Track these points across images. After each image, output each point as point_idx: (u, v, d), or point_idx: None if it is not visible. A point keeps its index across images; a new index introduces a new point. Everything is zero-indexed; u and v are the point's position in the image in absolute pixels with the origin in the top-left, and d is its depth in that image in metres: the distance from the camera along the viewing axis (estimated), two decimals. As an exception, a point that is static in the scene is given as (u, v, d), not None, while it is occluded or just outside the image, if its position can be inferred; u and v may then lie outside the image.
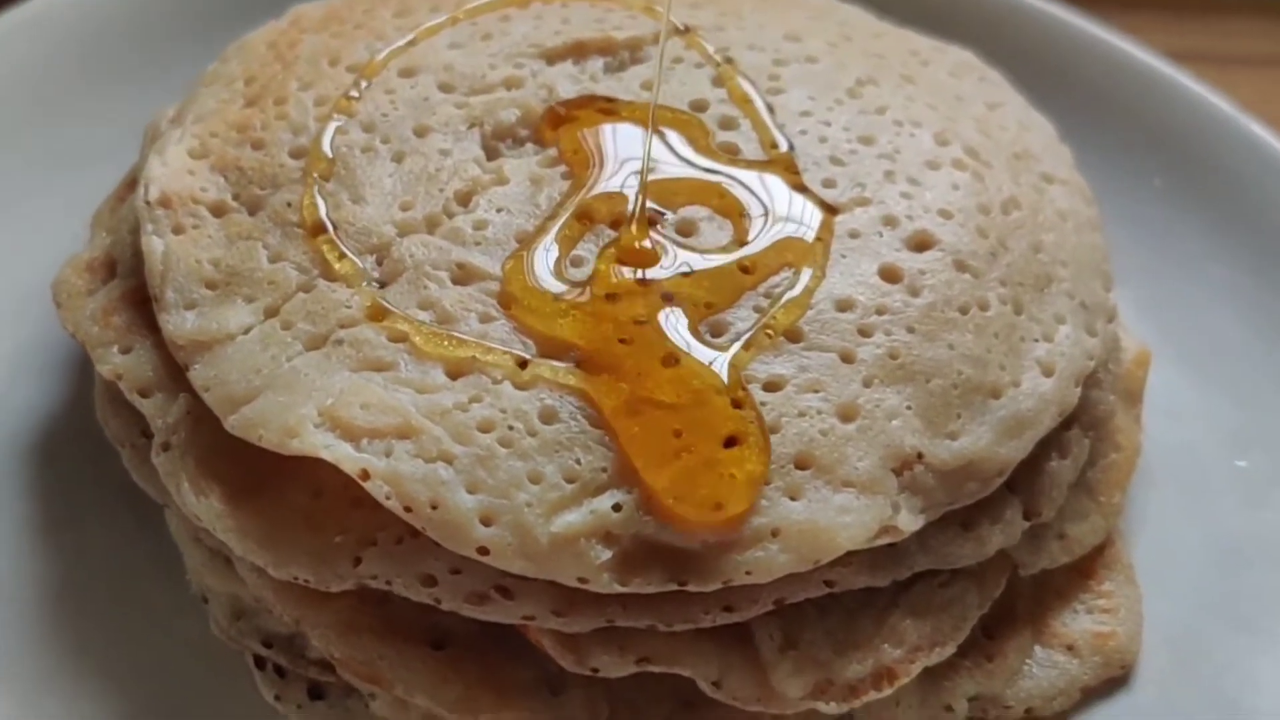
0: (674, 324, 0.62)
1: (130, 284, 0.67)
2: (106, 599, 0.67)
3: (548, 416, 0.58)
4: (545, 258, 0.64)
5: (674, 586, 0.56)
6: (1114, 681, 0.68)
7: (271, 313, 0.63)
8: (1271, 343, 0.82)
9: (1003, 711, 0.65)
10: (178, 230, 0.66)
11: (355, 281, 0.63)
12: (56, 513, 0.70)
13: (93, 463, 0.70)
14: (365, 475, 0.57)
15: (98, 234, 0.73)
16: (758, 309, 0.63)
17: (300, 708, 0.62)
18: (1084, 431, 0.69)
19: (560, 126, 0.71)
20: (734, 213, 0.67)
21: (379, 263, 0.64)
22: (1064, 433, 0.68)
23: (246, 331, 0.62)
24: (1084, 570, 0.70)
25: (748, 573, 0.57)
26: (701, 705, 0.60)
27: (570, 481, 0.57)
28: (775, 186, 0.69)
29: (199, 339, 0.62)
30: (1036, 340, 0.66)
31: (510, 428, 0.58)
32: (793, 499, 0.58)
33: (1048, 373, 0.65)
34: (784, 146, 0.70)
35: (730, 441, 0.58)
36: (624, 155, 0.69)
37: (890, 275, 0.65)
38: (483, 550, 0.56)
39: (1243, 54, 1.14)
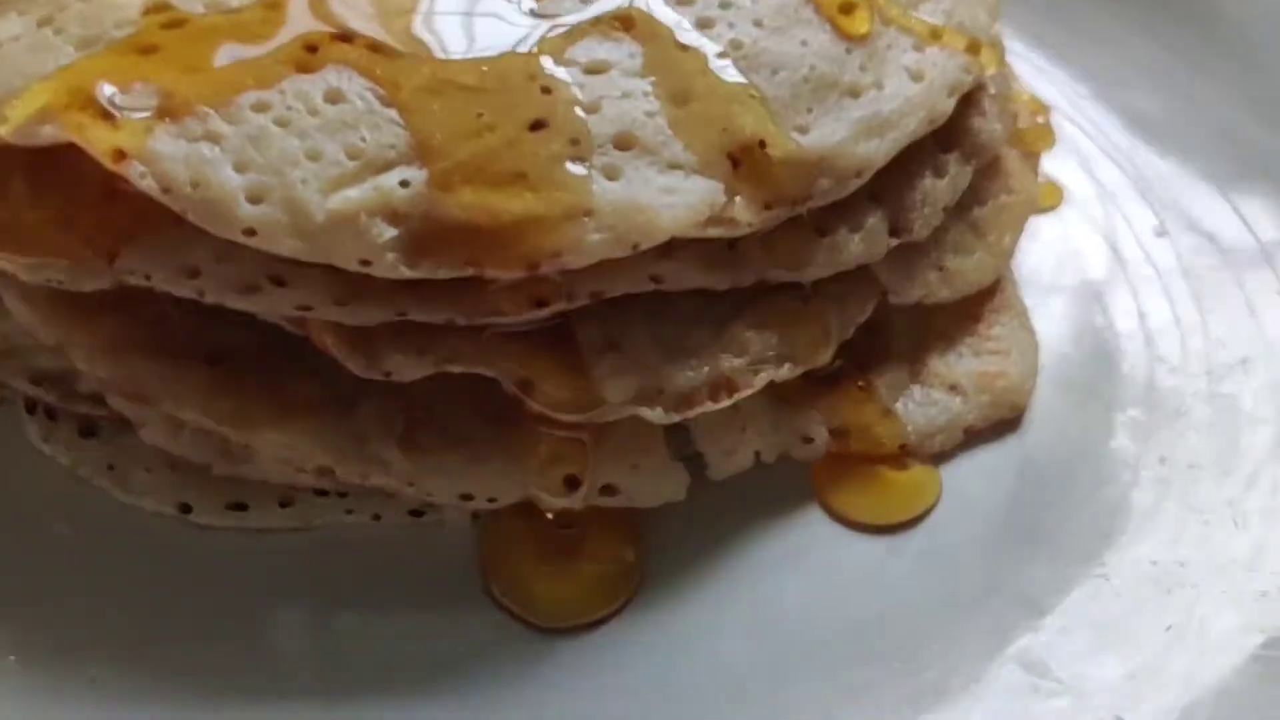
0: (486, 9, 0.55)
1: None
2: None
3: (333, 97, 0.52)
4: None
5: (470, 271, 0.50)
6: (1004, 425, 0.61)
7: (45, 22, 0.56)
8: (1188, 123, 0.76)
9: (874, 447, 0.58)
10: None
11: (138, -15, 0.57)
12: None
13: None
14: (120, 156, 0.50)
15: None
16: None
17: (70, 448, 0.55)
18: (965, 159, 0.62)
19: None
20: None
21: (168, -28, 0.58)
22: (941, 155, 0.61)
23: (16, 40, 0.56)
24: (971, 314, 0.63)
25: (555, 255, 0.50)
26: (513, 420, 0.53)
27: (353, 159, 0.50)
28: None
29: (-38, 49, 0.56)
30: (906, 50, 0.60)
31: (289, 108, 0.51)
32: (610, 179, 0.51)
33: (916, 78, 0.59)
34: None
35: (536, 125, 0.52)
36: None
37: (740, -25, 0.59)
38: (249, 231, 0.49)
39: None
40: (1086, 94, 0.78)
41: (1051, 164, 0.74)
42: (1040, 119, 0.71)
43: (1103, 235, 0.71)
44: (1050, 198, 0.73)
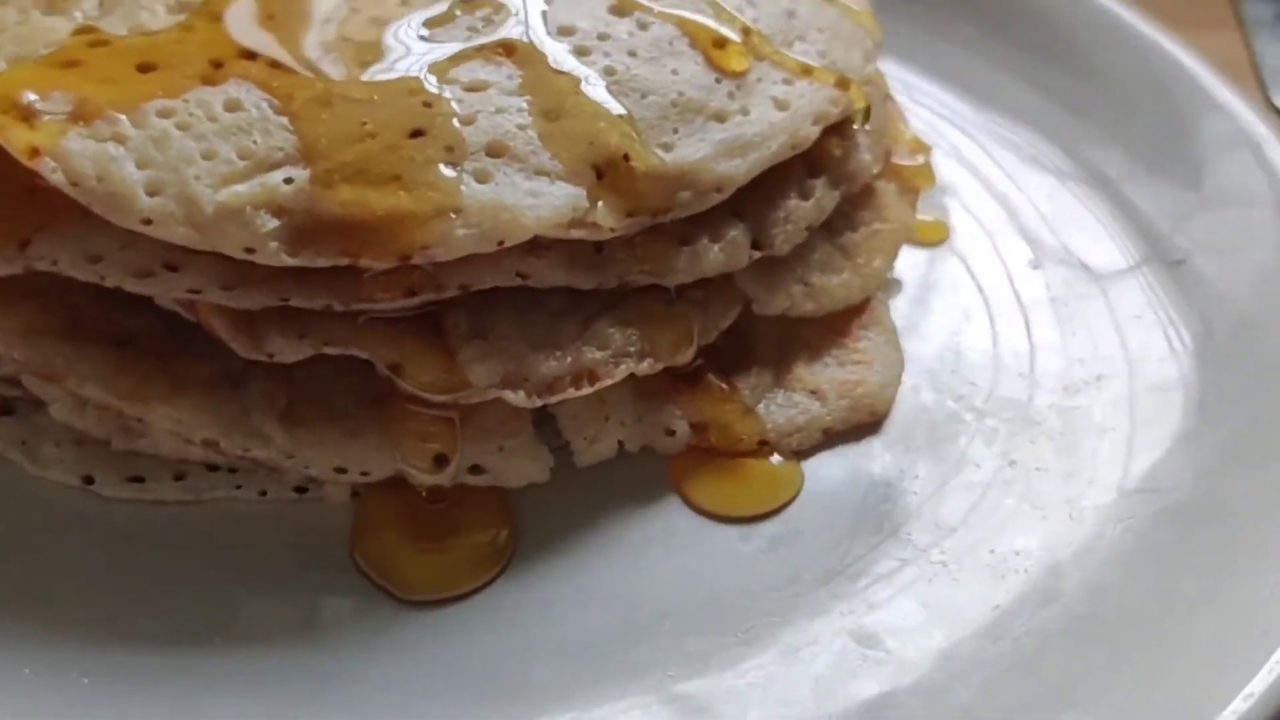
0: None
1: None
2: None
3: (232, 106, 0.57)
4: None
5: (347, 261, 0.55)
6: (864, 428, 0.65)
7: (-13, 43, 0.62)
8: (1066, 176, 0.81)
9: (733, 442, 0.62)
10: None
11: (70, 11, 0.63)
12: None
13: None
14: (34, 153, 0.55)
15: None
16: (471, 29, 0.62)
17: (-13, 425, 0.60)
18: (832, 185, 0.67)
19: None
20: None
21: (100, 3, 0.64)
22: (809, 179, 0.66)
23: (-40, 58, 0.62)
24: (838, 328, 0.68)
25: (424, 248, 0.55)
26: (391, 401, 0.57)
27: (244, 159, 0.56)
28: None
29: (-98, 68, 0.61)
30: (776, 83, 0.65)
31: (191, 114, 0.57)
32: (480, 182, 0.56)
33: (782, 107, 0.64)
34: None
35: (415, 133, 0.57)
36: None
37: (620, 10, 0.64)
38: (146, 220, 0.54)
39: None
40: (974, 136, 0.83)
41: (939, 202, 0.79)
42: (921, 158, 0.76)
43: (981, 267, 0.75)
44: (936, 234, 0.77)
